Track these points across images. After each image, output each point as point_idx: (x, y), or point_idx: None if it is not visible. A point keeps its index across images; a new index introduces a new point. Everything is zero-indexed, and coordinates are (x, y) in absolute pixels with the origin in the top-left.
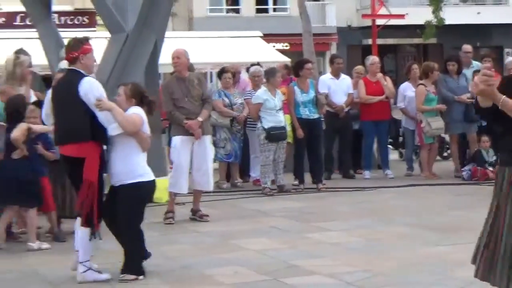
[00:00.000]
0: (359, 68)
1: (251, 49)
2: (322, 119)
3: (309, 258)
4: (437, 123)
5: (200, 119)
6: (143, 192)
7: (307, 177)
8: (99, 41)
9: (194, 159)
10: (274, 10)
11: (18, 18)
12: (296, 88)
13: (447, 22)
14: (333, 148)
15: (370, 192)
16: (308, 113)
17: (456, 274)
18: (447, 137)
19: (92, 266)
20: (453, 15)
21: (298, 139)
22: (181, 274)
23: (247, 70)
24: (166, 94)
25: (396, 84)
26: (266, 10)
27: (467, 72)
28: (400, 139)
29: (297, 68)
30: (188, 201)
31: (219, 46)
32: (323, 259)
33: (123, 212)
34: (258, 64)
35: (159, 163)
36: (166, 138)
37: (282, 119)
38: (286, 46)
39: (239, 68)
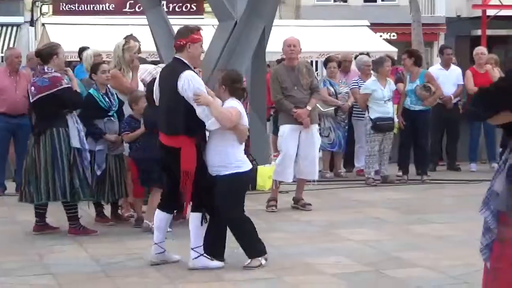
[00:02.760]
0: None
1: (358, 38)
2: (428, 110)
3: (412, 250)
4: None
5: (309, 108)
6: (240, 183)
7: (412, 168)
8: (207, 28)
9: (301, 148)
10: None
11: (127, 4)
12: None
13: None
14: (440, 140)
15: (476, 184)
16: (409, 103)
17: None
18: None
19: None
20: None
21: (403, 129)
22: (283, 262)
23: (354, 59)
24: (275, 82)
25: None
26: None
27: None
28: None
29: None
30: (291, 190)
31: (326, 35)
32: (426, 251)
33: (221, 202)
34: (367, 54)
35: (263, 151)
36: (271, 126)
37: (390, 110)
38: (394, 36)
39: (350, 57)
